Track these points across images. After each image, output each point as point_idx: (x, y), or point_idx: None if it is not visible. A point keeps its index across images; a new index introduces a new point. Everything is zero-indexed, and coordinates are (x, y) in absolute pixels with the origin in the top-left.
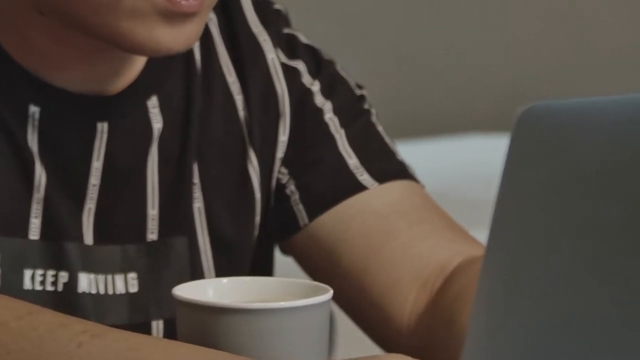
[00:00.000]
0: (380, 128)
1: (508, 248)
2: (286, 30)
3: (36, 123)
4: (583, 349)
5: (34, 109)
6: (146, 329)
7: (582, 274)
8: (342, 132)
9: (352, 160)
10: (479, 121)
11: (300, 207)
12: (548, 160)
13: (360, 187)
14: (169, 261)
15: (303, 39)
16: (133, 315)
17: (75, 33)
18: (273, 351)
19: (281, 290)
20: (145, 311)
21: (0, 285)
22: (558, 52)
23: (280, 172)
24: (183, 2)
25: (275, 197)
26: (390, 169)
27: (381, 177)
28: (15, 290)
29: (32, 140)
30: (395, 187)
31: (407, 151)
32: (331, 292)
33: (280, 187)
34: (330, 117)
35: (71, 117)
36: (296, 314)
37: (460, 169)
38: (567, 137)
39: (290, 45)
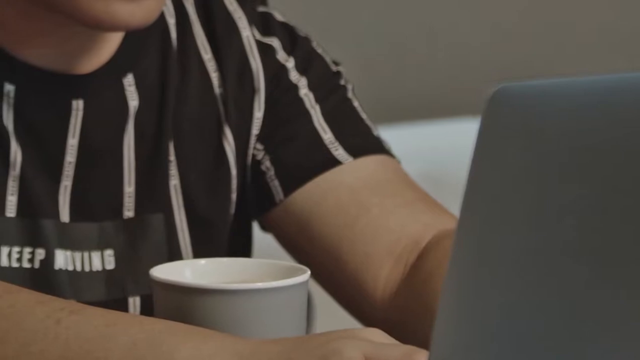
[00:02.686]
0: (356, 103)
1: (478, 230)
2: (261, 9)
3: (11, 101)
4: (553, 327)
5: (8, 87)
6: (123, 306)
7: (551, 254)
8: (317, 107)
9: (327, 135)
10: (472, 105)
11: (276, 182)
12: (518, 141)
13: (334, 162)
14: (146, 238)
15: (278, 16)
16: (110, 292)
17: (41, 8)
18: (250, 332)
19: (259, 271)
20: (122, 288)
21: None
22: (552, 34)
23: (255, 149)
24: None
25: (251, 173)
26: (365, 143)
27: (356, 151)
28: None
29: (8, 119)
30: (369, 162)
31: (400, 135)
32: (308, 273)
33: (256, 163)
34: (305, 92)
35: (46, 95)
36: (273, 295)
37: (452, 153)
38: (538, 117)
39: (265, 23)
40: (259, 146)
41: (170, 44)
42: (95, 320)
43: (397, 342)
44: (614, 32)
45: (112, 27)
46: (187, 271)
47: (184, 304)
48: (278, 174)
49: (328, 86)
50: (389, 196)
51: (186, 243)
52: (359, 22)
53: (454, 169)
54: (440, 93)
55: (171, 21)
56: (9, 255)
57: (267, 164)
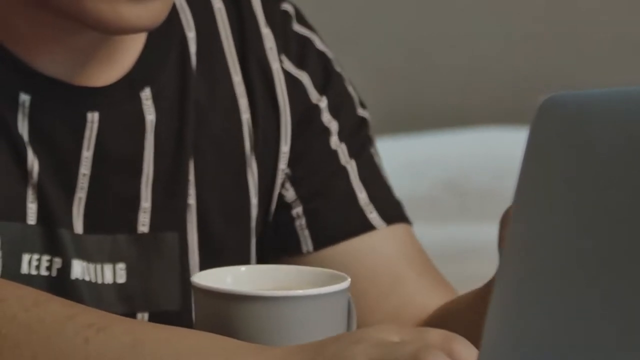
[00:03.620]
0: (378, 159)
1: (527, 239)
2: (298, 29)
3: (26, 111)
4: (602, 342)
5: (24, 97)
6: None
7: (601, 264)
8: (353, 163)
9: (362, 195)
10: (491, 114)
11: (306, 233)
12: (567, 151)
13: (369, 227)
14: (159, 254)
15: (318, 43)
16: (120, 306)
17: (48, 12)
18: (290, 338)
19: (299, 279)
20: (131, 303)
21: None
22: (569, 44)
23: (284, 188)
24: None
25: (279, 213)
26: (395, 209)
27: (388, 218)
28: (13, 274)
29: (23, 128)
30: (400, 230)
31: (421, 143)
32: (349, 280)
33: (286, 205)
34: (336, 141)
35: (61, 106)
36: (314, 302)
37: (472, 161)
38: (587, 127)
39: (301, 52)
40: (289, 187)
41: (188, 58)
42: (123, 338)
43: (412, 333)
44: (630, 41)
45: (119, 30)
46: (228, 278)
47: (225, 311)
48: (310, 226)
49: (359, 137)
50: (421, 271)
51: (195, 264)
52: (379, 31)
53: (475, 176)
54: (460, 102)
55: (190, 35)
56: (29, 262)
57: (298, 210)
